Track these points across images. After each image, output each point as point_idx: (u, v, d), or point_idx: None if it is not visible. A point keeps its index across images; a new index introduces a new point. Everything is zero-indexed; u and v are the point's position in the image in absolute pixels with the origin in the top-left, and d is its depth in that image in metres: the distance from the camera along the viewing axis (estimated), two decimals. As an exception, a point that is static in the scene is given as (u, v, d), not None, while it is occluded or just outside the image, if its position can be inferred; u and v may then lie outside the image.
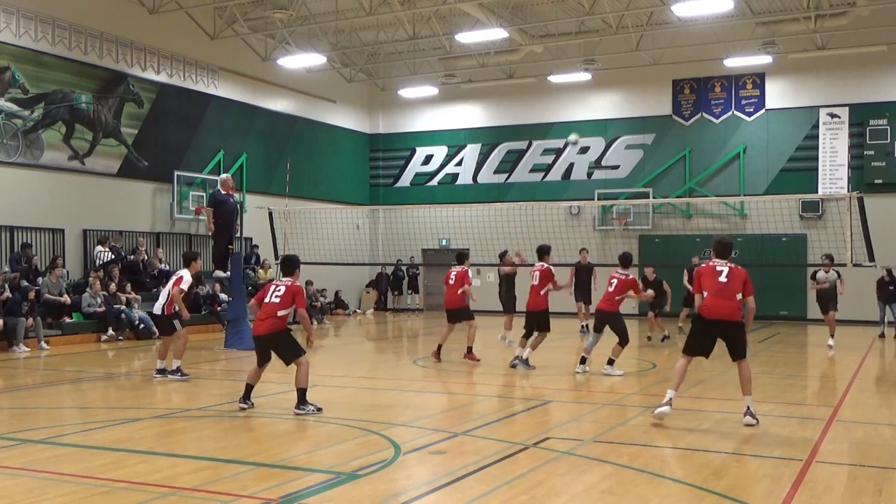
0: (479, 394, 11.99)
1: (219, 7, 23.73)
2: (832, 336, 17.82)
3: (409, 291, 30.36)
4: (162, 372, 12.48)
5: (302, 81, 27.80)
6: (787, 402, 10.82)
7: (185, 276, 12.55)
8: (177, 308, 12.44)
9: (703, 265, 9.31)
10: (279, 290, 9.68)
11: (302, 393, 9.45)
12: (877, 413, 10.23)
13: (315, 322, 24.12)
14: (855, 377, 12.92)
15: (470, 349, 14.57)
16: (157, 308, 12.74)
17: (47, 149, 19.93)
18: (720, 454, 7.57)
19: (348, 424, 8.78)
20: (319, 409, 9.44)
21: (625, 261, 13.18)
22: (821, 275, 17.91)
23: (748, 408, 8.89)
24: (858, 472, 7.02)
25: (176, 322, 12.47)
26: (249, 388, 9.80)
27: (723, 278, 8.90)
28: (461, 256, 15.11)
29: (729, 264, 9.04)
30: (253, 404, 9.72)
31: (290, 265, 10.19)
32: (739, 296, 8.84)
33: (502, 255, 17.68)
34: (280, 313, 9.57)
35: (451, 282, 14.64)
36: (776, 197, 22.98)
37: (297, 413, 9.35)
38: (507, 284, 17.68)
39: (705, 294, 8.94)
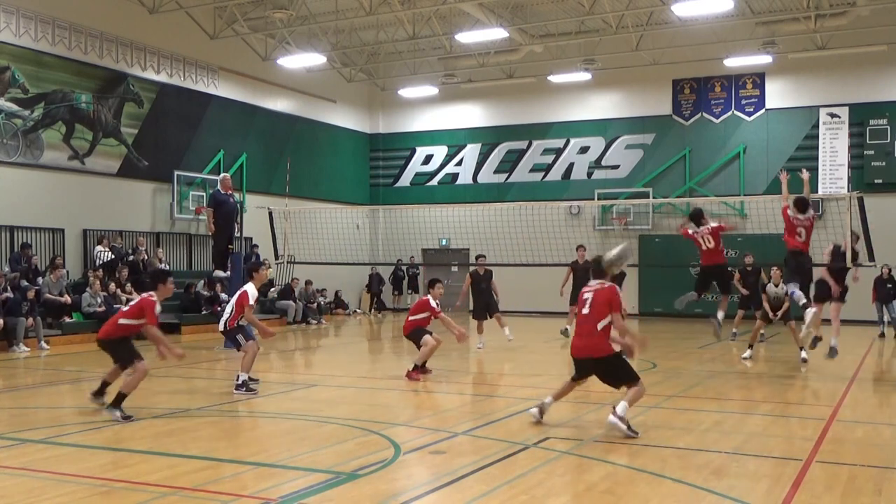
0: (478, 394, 11.99)
1: (219, 7, 23.73)
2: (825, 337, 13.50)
3: (409, 291, 30.33)
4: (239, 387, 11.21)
5: (302, 81, 27.80)
6: (786, 401, 10.82)
7: (250, 290, 11.28)
8: (240, 322, 11.28)
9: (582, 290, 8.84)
10: (132, 301, 9.57)
11: (121, 398, 8.99)
12: (877, 413, 10.24)
13: (314, 322, 24.13)
14: (855, 377, 12.92)
15: (419, 366, 12.63)
16: (221, 325, 11.48)
17: (47, 149, 19.93)
18: (720, 454, 7.57)
19: (348, 424, 8.78)
20: (129, 418, 8.86)
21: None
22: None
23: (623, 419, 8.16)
24: (858, 471, 7.01)
25: (239, 336, 11.30)
26: (105, 385, 9.49)
27: (585, 309, 8.46)
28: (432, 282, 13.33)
29: (597, 286, 8.56)
30: (105, 403, 9.26)
31: (152, 280, 9.70)
32: (605, 321, 8.30)
33: (479, 258, 17.32)
34: (121, 321, 9.25)
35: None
36: (776, 196, 22.90)
37: (111, 414, 8.91)
38: (484, 289, 16.94)
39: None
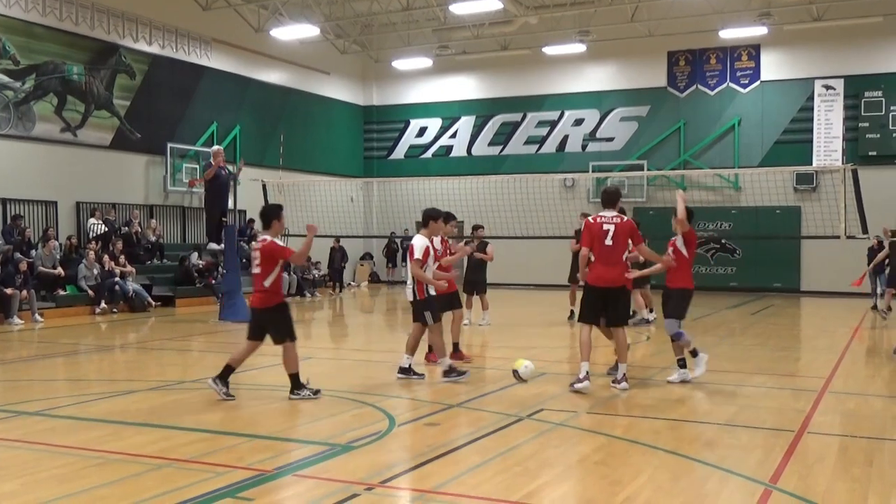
0: (473, 366, 12.01)
1: (211, -23, 23.52)
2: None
3: (403, 264, 30.29)
4: (405, 371, 9.87)
5: (295, 53, 27.60)
6: (779, 373, 10.88)
7: (417, 241, 9.61)
8: (429, 290, 9.56)
9: (591, 219, 8.91)
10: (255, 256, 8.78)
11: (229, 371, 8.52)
12: (868, 384, 10.31)
13: (308, 295, 24.10)
14: (847, 349, 12.99)
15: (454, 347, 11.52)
16: (409, 294, 9.69)
17: (39, 120, 19.80)
18: (713, 425, 7.61)
19: (343, 397, 8.81)
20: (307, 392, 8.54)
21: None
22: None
23: (623, 375, 9.08)
24: (850, 442, 7.07)
25: (427, 314, 9.52)
26: (230, 369, 8.64)
27: (608, 241, 8.68)
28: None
29: (616, 219, 8.81)
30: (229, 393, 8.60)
31: (265, 217, 8.88)
32: (627, 252, 8.81)
33: (476, 227, 15.90)
34: (266, 282, 8.63)
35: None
36: (770, 169, 22.98)
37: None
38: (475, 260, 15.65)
39: (592, 256, 8.86)
